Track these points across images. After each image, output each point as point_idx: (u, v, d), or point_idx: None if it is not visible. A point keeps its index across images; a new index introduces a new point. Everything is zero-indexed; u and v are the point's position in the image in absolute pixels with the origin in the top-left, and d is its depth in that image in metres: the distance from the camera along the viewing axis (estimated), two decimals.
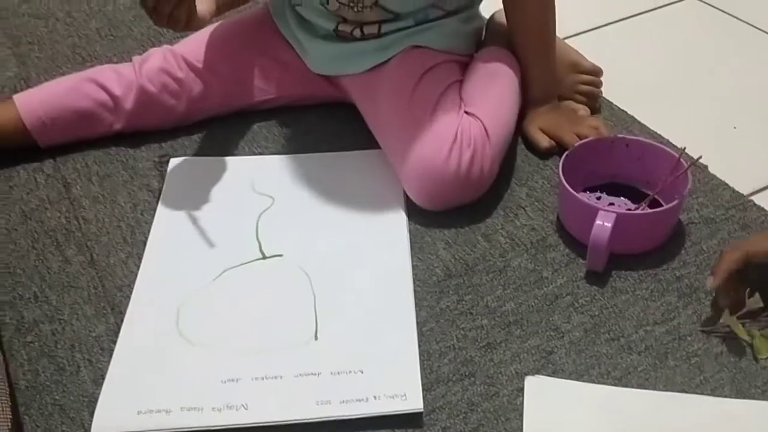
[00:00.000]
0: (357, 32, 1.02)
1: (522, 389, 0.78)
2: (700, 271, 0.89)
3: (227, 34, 1.10)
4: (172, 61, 1.08)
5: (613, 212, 0.86)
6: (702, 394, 0.77)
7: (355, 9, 0.99)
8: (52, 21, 1.40)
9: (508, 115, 0.99)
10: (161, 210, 1.00)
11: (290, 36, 1.09)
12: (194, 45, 1.09)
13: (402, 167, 0.97)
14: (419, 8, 1.01)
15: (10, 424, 0.73)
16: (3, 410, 0.74)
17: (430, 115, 0.95)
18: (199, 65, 1.08)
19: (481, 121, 0.96)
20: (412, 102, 0.97)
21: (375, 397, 0.76)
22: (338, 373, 0.79)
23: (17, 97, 1.06)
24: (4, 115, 1.05)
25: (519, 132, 1.05)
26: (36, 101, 1.06)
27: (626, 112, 1.13)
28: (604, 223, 0.85)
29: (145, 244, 0.95)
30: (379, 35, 1.02)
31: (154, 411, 0.76)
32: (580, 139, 1.02)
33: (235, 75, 1.10)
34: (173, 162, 1.07)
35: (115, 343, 0.83)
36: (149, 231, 0.97)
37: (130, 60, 1.11)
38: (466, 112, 0.97)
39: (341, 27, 1.02)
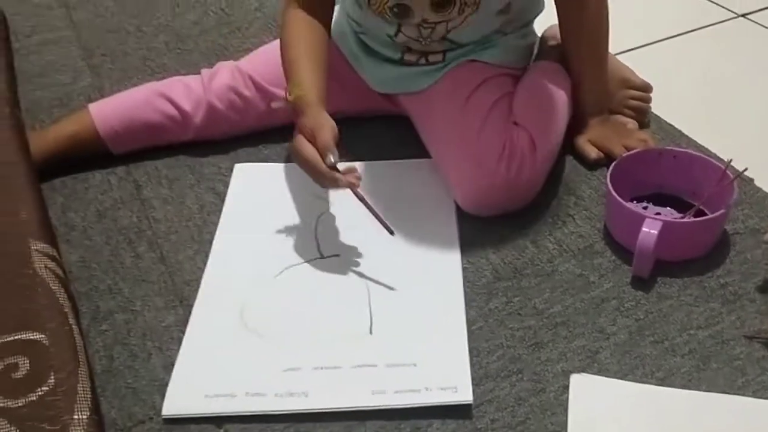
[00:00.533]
0: (422, 60, 1.07)
1: (567, 387, 0.81)
2: (745, 279, 0.92)
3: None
4: (239, 79, 1.13)
5: (660, 220, 0.89)
6: (744, 395, 0.79)
7: (423, 42, 1.04)
8: (123, 34, 1.49)
9: (556, 126, 1.03)
10: (226, 211, 1.06)
11: (351, 55, 1.13)
12: (260, 64, 1.14)
13: (451, 175, 1.02)
14: (484, 36, 1.06)
15: (90, 404, 0.79)
16: (84, 390, 0.80)
17: (481, 125, 1.00)
18: (265, 84, 1.13)
19: (529, 132, 1.00)
20: (464, 113, 1.02)
21: (427, 388, 0.80)
22: (393, 365, 0.83)
23: (92, 107, 1.14)
24: (79, 124, 1.12)
25: (569, 143, 1.09)
26: (110, 111, 1.13)
27: (674, 127, 1.16)
28: (650, 230, 0.88)
29: (211, 242, 1.01)
30: (443, 61, 1.07)
31: (220, 395, 0.82)
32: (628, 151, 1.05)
33: None
34: (238, 167, 1.13)
35: (183, 332, 0.89)
36: (215, 231, 1.03)
37: (199, 72, 1.18)
38: (515, 123, 1.01)
39: (406, 57, 1.07)
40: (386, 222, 0.93)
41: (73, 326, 0.86)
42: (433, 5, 0.98)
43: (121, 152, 1.14)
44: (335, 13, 1.09)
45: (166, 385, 0.83)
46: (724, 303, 0.89)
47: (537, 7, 1.11)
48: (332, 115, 1.02)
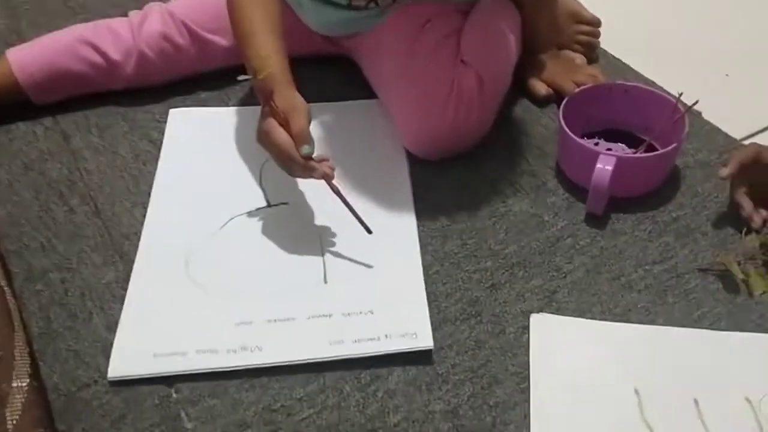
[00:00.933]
0: (372, 4, 1.01)
1: (527, 327, 0.80)
2: (696, 212, 0.92)
3: None
4: (171, 25, 1.05)
5: (614, 155, 0.88)
6: (700, 328, 0.80)
7: None
8: None
9: (504, 64, 1.00)
10: (164, 160, 1.00)
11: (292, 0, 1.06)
12: (194, 7, 1.06)
13: (398, 117, 0.98)
14: None
15: (29, 370, 0.74)
16: (22, 355, 0.75)
17: (427, 65, 0.96)
18: (200, 30, 1.06)
19: (476, 70, 0.97)
20: (411, 52, 0.98)
21: (386, 336, 0.78)
22: (349, 314, 0.81)
23: (10, 54, 1.05)
24: None
25: (518, 80, 1.06)
26: (29, 59, 1.04)
27: (622, 61, 1.15)
28: (605, 166, 0.87)
29: (149, 194, 0.96)
30: (393, 2, 1.02)
31: (170, 354, 0.78)
32: (578, 87, 1.04)
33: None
34: (173, 113, 1.07)
35: (125, 290, 0.85)
36: (152, 181, 0.97)
37: (126, 14, 1.10)
38: (462, 62, 0.98)
39: (355, 2, 1.00)
40: (363, 220, 0.85)
41: (5, 288, 0.81)
42: None
43: (44, 102, 1.06)
44: None
45: (111, 345, 0.79)
46: (678, 237, 0.89)
47: None
48: None
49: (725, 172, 0.85)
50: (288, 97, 0.82)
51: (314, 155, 0.81)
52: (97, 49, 1.04)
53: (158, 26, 1.05)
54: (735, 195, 0.87)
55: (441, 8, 1.02)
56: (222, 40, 1.06)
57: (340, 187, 0.85)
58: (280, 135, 0.80)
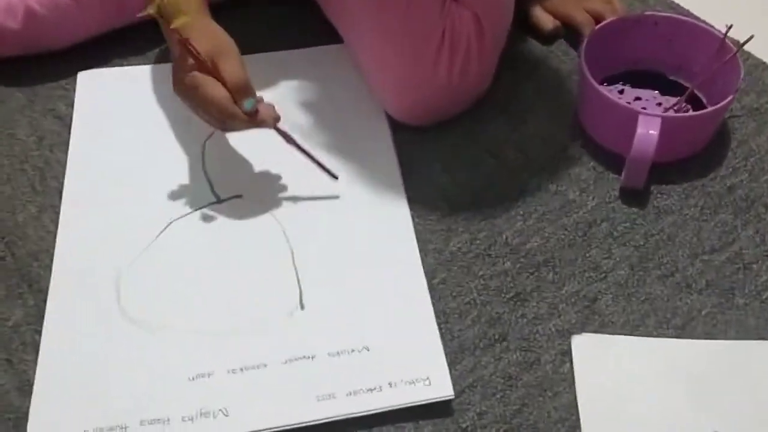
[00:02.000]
0: None
1: (567, 352, 0.63)
2: (754, 177, 0.74)
3: None
4: None
5: (658, 116, 0.69)
6: None
7: None
8: None
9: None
10: (75, 143, 0.78)
11: None
12: None
13: (376, 75, 0.77)
14: None
15: None
16: None
17: (410, 7, 0.74)
18: None
19: (473, 10, 0.75)
20: None
21: (390, 384, 0.60)
22: (338, 353, 0.62)
23: None
24: None
25: (517, 12, 0.85)
26: None
27: None
28: (648, 131, 0.68)
29: (60, 192, 0.74)
30: None
31: (106, 429, 0.58)
32: (593, 17, 0.84)
33: None
34: (83, 76, 0.83)
35: (39, 333, 0.64)
36: (64, 174, 0.75)
37: None
38: (453, 0, 0.76)
39: None
40: (325, 165, 0.71)
41: None
42: None
43: None
44: None
45: (26, 416, 0.60)
46: (737, 213, 0.72)
47: None
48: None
49: None
50: (210, 35, 0.66)
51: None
52: None
53: None
54: None
55: None
56: None
57: (291, 133, 0.70)
58: (214, 89, 0.65)
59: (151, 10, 0.67)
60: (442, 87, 0.74)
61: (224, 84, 0.64)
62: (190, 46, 0.64)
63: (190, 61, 0.65)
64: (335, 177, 0.72)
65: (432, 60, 0.73)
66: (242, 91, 0.64)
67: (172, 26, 0.65)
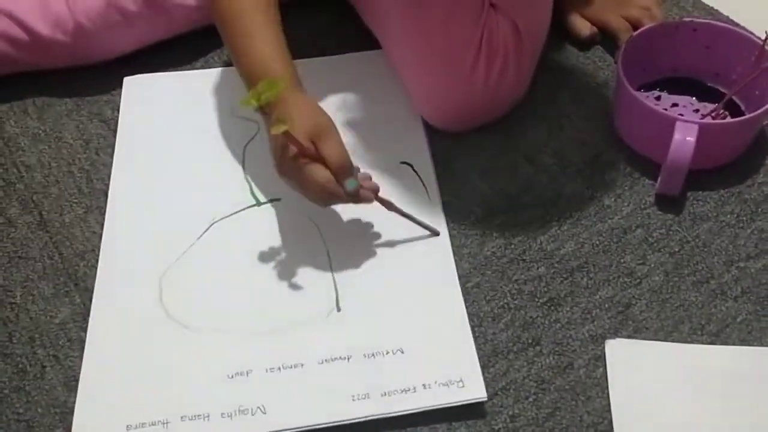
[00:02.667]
0: None
1: (601, 357, 0.63)
2: None
3: None
4: None
5: (695, 123, 0.69)
6: None
7: None
8: None
9: (545, 7, 0.79)
10: (121, 147, 0.80)
11: None
12: None
13: (413, 81, 0.78)
14: None
15: None
16: None
17: (448, 11, 0.75)
18: None
19: (510, 15, 0.76)
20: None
21: (424, 385, 0.61)
22: (373, 355, 0.63)
23: None
24: None
25: (554, 19, 0.85)
26: None
27: None
28: (685, 137, 0.68)
29: (106, 193, 0.77)
30: None
31: (148, 424, 0.60)
32: (630, 23, 0.84)
33: None
34: (129, 81, 0.86)
35: (84, 330, 0.67)
36: (109, 176, 0.78)
37: None
38: (491, 5, 0.77)
39: None
40: (427, 224, 0.71)
41: None
42: None
43: None
44: None
45: (71, 411, 0.62)
46: None
47: None
48: None
49: None
50: (309, 114, 0.65)
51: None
52: (16, 20, 0.81)
53: None
54: None
55: None
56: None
57: (391, 199, 0.70)
58: (318, 172, 0.63)
59: (253, 103, 0.62)
60: (479, 93, 0.75)
61: (327, 166, 0.63)
62: (292, 139, 0.62)
63: (293, 147, 0.63)
64: (437, 233, 0.71)
65: (470, 66, 0.74)
66: (345, 172, 0.64)
67: (272, 132, 0.61)
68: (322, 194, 0.65)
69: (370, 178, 0.68)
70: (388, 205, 0.69)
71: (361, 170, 0.71)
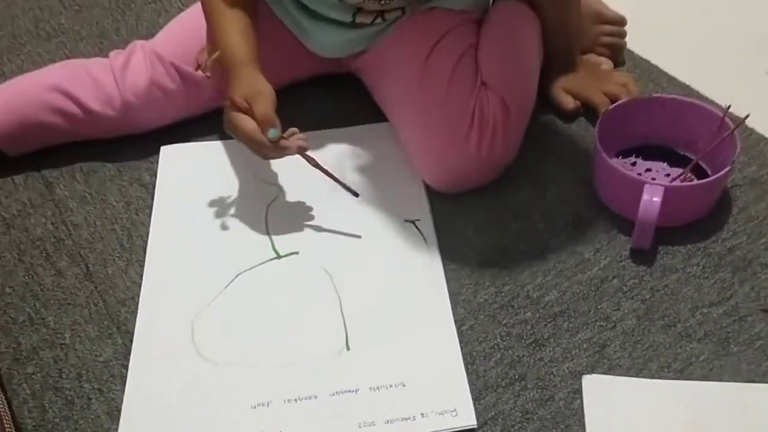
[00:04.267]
0: (378, 20, 0.91)
1: (579, 391, 0.72)
2: (753, 240, 0.83)
3: None
4: (160, 69, 0.93)
5: (661, 185, 0.79)
6: None
7: (382, 1, 0.88)
8: None
9: (529, 81, 0.90)
10: (158, 208, 0.91)
11: (288, 19, 0.95)
12: (180, 46, 0.94)
13: (415, 149, 0.89)
14: None
15: None
16: None
17: (445, 90, 0.86)
18: (191, 70, 0.93)
19: (499, 93, 0.87)
20: (425, 74, 0.88)
21: (422, 414, 0.70)
22: (378, 388, 0.72)
23: None
24: None
25: (541, 93, 0.96)
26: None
27: (650, 62, 1.05)
28: (652, 198, 0.78)
29: (144, 248, 0.87)
30: (401, 16, 0.92)
31: None
32: (609, 98, 0.94)
33: None
34: (165, 150, 0.97)
35: (126, 367, 0.76)
36: (147, 233, 0.88)
37: (104, 37, 0.99)
38: (483, 83, 0.88)
39: (359, 18, 0.90)
40: (347, 184, 0.85)
41: None
42: None
43: (18, 155, 0.95)
44: None
45: None
46: (735, 271, 0.80)
47: None
48: (274, 86, 0.85)
49: None
50: (249, 80, 0.80)
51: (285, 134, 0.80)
52: (73, 98, 0.92)
53: (145, 72, 0.93)
54: None
55: (456, 19, 0.91)
56: (207, 73, 0.95)
57: (316, 158, 0.84)
58: (244, 122, 0.78)
59: (205, 67, 0.81)
60: (472, 159, 0.85)
61: (254, 119, 0.78)
62: (231, 98, 0.79)
63: (232, 105, 0.79)
64: (356, 194, 0.84)
65: (464, 136, 0.84)
66: (266, 123, 0.77)
67: (207, 59, 0.80)
68: (249, 142, 0.79)
69: (304, 140, 0.81)
70: (313, 162, 0.83)
71: (368, 225, 0.81)
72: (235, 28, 0.83)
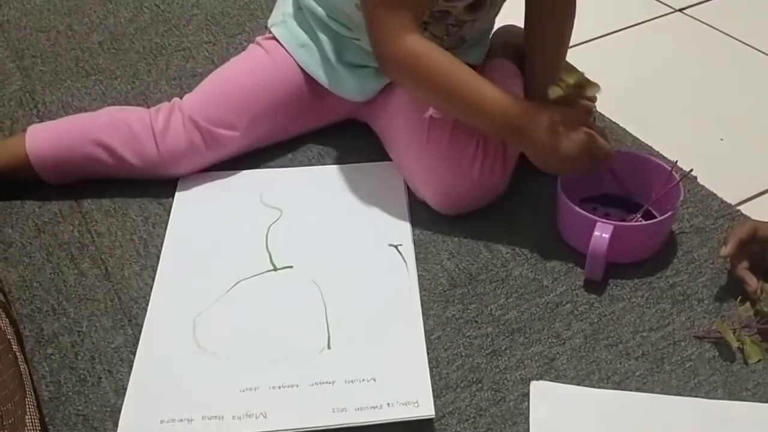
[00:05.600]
0: None
1: (527, 394, 0.82)
2: (692, 278, 0.94)
3: (247, 90, 1.07)
4: (196, 135, 1.04)
5: (611, 224, 0.90)
6: (697, 396, 0.81)
7: (442, 40, 1.01)
8: (54, 34, 1.43)
9: None
10: (173, 223, 1.03)
11: (324, 69, 1.07)
12: (213, 111, 1.05)
13: (423, 178, 1.02)
14: (480, 34, 1.08)
15: None
16: (32, 422, 0.77)
17: (451, 126, 1.00)
18: (222, 131, 1.05)
19: None
20: (433, 116, 1.01)
21: (389, 404, 0.80)
22: (352, 381, 0.82)
23: (29, 134, 1.05)
24: (13, 154, 1.04)
25: None
26: (46, 147, 1.04)
27: (618, 125, 1.18)
28: (602, 234, 0.89)
29: (158, 256, 0.98)
30: None
31: (177, 420, 0.79)
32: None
33: (257, 135, 1.09)
34: (183, 180, 1.09)
35: (134, 354, 0.87)
36: (162, 244, 1.00)
37: (136, 77, 1.13)
38: None
39: None
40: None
41: (17, 353, 0.83)
42: (468, 7, 0.98)
43: (56, 184, 1.08)
44: (286, 31, 1.09)
45: (119, 410, 0.81)
46: (674, 303, 0.91)
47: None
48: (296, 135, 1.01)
49: (725, 251, 0.87)
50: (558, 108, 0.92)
51: None
52: (114, 154, 1.03)
53: (184, 140, 1.04)
54: (737, 271, 0.89)
55: None
56: (237, 134, 1.07)
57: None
58: (602, 140, 0.92)
59: (560, 92, 0.94)
60: (476, 185, 0.99)
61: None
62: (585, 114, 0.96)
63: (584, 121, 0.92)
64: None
65: (469, 164, 0.98)
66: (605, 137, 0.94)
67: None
68: (602, 154, 0.91)
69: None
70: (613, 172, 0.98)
71: (356, 246, 0.93)
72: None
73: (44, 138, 1.05)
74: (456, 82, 0.89)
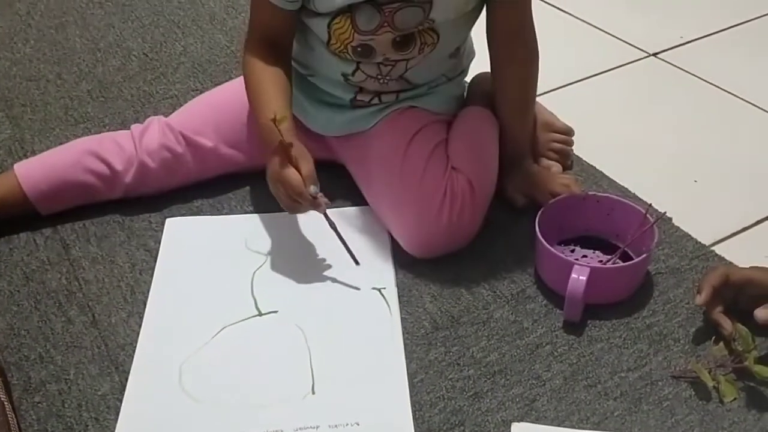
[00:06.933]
0: (375, 100, 1.09)
1: None
2: (669, 318, 0.96)
3: (219, 107, 1.16)
4: (170, 136, 1.12)
5: (587, 266, 0.93)
6: None
7: (381, 81, 1.06)
8: (43, 83, 1.45)
9: (491, 170, 1.07)
10: (159, 269, 1.04)
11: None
12: (189, 119, 1.14)
13: (395, 221, 1.04)
14: (434, 78, 1.11)
15: None
16: None
17: (421, 173, 1.03)
18: (196, 139, 1.12)
19: (467, 176, 1.03)
20: (404, 162, 1.04)
21: None
22: (336, 425, 0.84)
23: (19, 169, 1.10)
24: (5, 187, 1.09)
25: (497, 189, 1.11)
26: (38, 174, 1.09)
27: (595, 168, 1.21)
28: (579, 276, 0.92)
29: (145, 303, 1.00)
30: (396, 101, 1.09)
31: None
32: (553, 197, 1.09)
33: (229, 147, 1.14)
34: (169, 222, 1.12)
35: (120, 401, 0.88)
36: (148, 290, 1.01)
37: (124, 125, 1.17)
38: (452, 168, 1.04)
39: (359, 97, 1.09)
40: (352, 251, 1.01)
41: (5, 402, 0.84)
42: (394, 44, 1.01)
43: (49, 213, 1.11)
44: None
45: None
46: (651, 344, 0.93)
47: (472, 55, 1.16)
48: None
49: (700, 299, 0.90)
50: (298, 146, 0.95)
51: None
52: (102, 159, 1.10)
53: (157, 137, 1.12)
54: (712, 315, 0.91)
55: (430, 118, 1.09)
56: (207, 142, 1.13)
57: (335, 222, 1.00)
58: (293, 175, 0.94)
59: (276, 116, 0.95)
60: (444, 230, 1.01)
61: (300, 174, 0.93)
62: (288, 146, 0.93)
63: (281, 153, 0.94)
64: (357, 263, 1.00)
65: (437, 210, 1.00)
66: (311, 178, 0.93)
67: (279, 125, 0.93)
68: (294, 193, 0.93)
69: (328, 202, 0.97)
70: (330, 222, 0.98)
71: (340, 290, 0.95)
72: (277, 87, 1.01)
73: (35, 167, 1.11)
74: (255, 102, 1.03)
